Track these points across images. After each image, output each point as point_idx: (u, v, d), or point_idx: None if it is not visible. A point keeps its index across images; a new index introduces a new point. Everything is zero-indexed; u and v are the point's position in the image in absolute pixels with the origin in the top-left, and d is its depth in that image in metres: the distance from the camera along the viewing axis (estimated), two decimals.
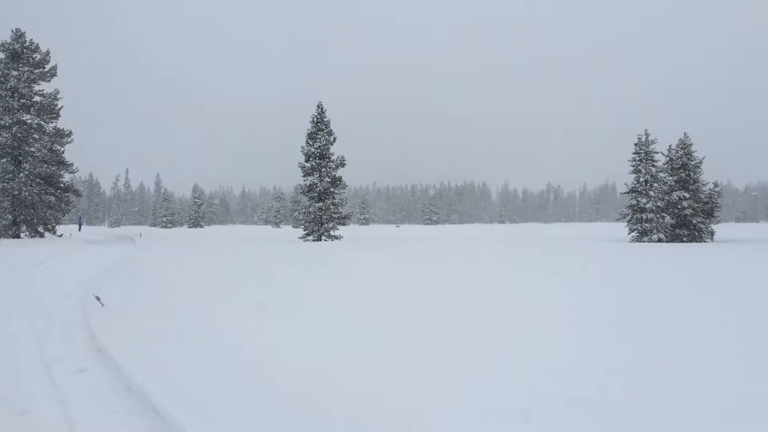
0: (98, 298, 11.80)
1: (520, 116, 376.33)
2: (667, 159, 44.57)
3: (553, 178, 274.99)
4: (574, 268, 19.98)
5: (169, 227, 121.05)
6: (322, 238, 45.57)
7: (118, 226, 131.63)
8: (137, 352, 7.65)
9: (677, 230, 43.01)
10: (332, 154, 46.49)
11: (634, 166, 43.99)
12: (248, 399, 5.69)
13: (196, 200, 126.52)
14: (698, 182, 43.50)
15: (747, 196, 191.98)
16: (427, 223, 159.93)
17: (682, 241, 42.28)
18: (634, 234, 43.67)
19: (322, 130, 46.25)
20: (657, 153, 44.07)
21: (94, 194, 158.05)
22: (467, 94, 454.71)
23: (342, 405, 5.44)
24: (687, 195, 42.59)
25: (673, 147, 44.80)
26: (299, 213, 47.24)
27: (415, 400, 5.52)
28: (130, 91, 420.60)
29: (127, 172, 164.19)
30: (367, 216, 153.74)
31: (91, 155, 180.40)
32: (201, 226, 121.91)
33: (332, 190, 45.81)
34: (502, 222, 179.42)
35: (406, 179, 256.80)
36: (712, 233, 43.43)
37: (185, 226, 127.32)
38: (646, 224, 42.41)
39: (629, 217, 43.70)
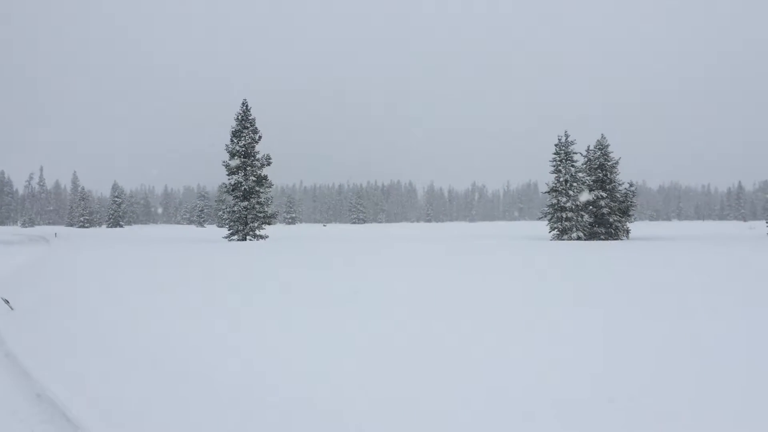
0: (7, 302, 11.22)
1: (448, 116, 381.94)
2: (586, 159, 46.10)
3: (478, 177, 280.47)
4: (472, 265, 20.46)
5: (87, 227, 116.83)
6: (247, 237, 44.90)
7: (31, 225, 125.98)
8: (48, 357, 7.30)
9: (595, 228, 44.55)
10: (258, 152, 45.87)
11: (554, 167, 45.25)
12: (159, 400, 5.53)
13: (116, 199, 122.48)
14: (614, 182, 45.20)
15: (660, 195, 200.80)
16: (354, 222, 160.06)
17: (600, 239, 43.83)
18: (554, 232, 44.95)
19: (247, 128, 45.56)
20: (576, 154, 45.50)
21: (5, 193, 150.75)
22: (396, 94, 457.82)
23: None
24: (604, 194, 44.18)
25: (591, 148, 46.39)
26: (223, 212, 46.43)
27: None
28: (48, 87, 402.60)
29: (41, 169, 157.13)
30: (294, 215, 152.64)
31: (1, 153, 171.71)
32: (121, 226, 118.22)
33: (258, 188, 45.17)
34: (429, 221, 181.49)
35: (333, 178, 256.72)
36: (627, 231, 45.19)
37: (104, 226, 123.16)
38: (566, 223, 43.72)
39: (550, 216, 44.95)
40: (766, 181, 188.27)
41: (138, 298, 12.62)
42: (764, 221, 75.33)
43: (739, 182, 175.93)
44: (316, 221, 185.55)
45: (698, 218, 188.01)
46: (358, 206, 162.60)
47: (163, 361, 7.02)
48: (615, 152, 45.88)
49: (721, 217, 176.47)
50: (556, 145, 45.48)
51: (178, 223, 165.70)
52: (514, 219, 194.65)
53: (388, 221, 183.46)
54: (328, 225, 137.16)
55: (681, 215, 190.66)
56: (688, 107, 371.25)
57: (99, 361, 7.06)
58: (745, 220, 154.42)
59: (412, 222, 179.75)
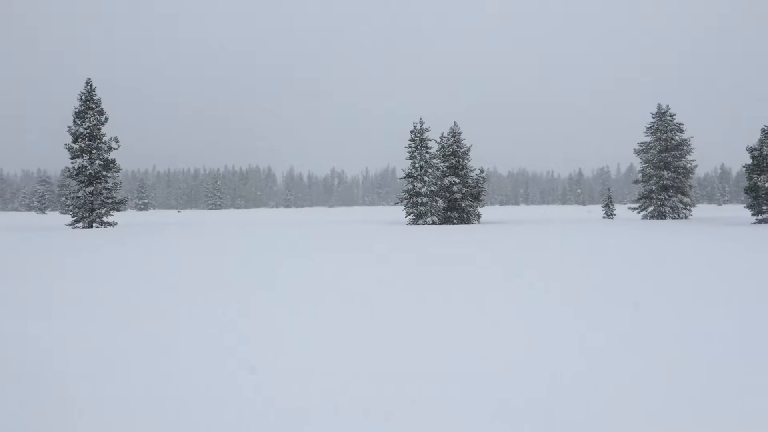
0: None
1: (306, 104, 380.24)
2: (440, 146, 47.60)
3: (338, 163, 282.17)
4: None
5: None
6: (94, 225, 42.36)
7: None
8: None
9: (449, 213, 46.22)
10: (104, 134, 43.29)
11: (410, 153, 46.33)
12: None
13: None
14: (467, 168, 47.06)
15: (510, 181, 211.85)
16: (211, 208, 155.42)
17: (453, 223, 45.52)
18: (410, 217, 46.11)
19: (92, 108, 42.80)
20: (431, 140, 46.85)
21: None
22: (262, 77, 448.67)
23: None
24: (457, 180, 45.88)
25: (444, 135, 47.96)
26: (67, 198, 43.50)
27: None
28: None
29: None
30: (146, 201, 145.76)
31: None
32: None
33: (104, 173, 42.68)
34: (288, 206, 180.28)
35: (189, 163, 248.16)
36: (478, 215, 47.27)
37: None
38: (421, 208, 44.97)
39: (406, 201, 46.02)
40: (602, 168, 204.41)
41: None
42: (600, 205, 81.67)
43: (579, 169, 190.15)
44: (170, 207, 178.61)
45: (543, 202, 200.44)
46: (215, 192, 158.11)
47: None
48: (467, 140, 47.78)
49: (564, 201, 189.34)
50: (411, 132, 46.53)
51: (16, 209, 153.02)
52: (373, 204, 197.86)
53: (246, 207, 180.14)
54: (183, 211, 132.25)
55: (528, 200, 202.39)
56: (534, 96, 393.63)
57: None
58: (584, 204, 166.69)
59: (271, 208, 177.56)
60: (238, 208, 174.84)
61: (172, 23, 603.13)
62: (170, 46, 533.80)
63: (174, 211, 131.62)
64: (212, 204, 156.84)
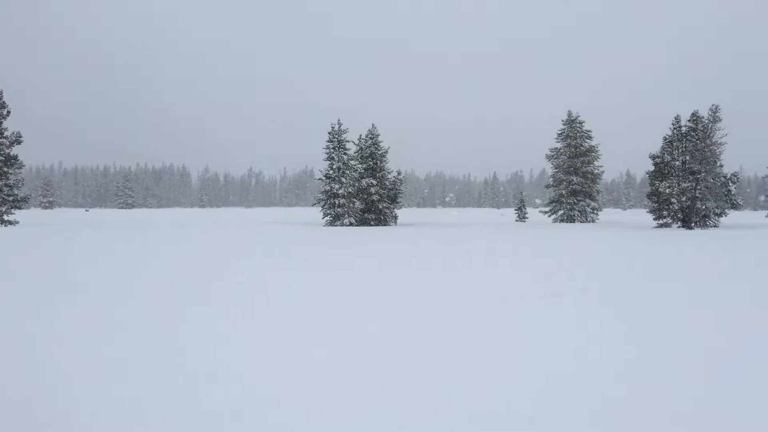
0: None
1: (226, 101, 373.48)
2: (358, 148, 47.65)
3: (255, 163, 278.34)
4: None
5: None
6: None
7: None
8: None
9: (366, 215, 46.30)
10: (5, 129, 41.02)
11: (328, 154, 46.13)
12: None
13: None
14: (384, 170, 47.30)
15: (427, 183, 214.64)
16: (121, 207, 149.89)
17: (370, 225, 45.63)
18: (327, 218, 45.89)
19: None
20: (349, 142, 46.81)
21: None
22: (168, 76, 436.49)
23: None
24: (375, 182, 46.03)
25: (362, 137, 48.04)
26: None
27: None
28: None
29: None
30: (52, 199, 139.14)
31: None
32: None
33: (5, 169, 40.43)
34: (203, 206, 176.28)
35: (98, 160, 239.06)
36: (395, 217, 47.56)
37: None
38: (338, 209, 44.82)
39: (323, 202, 45.78)
40: (515, 172, 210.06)
41: None
42: (513, 209, 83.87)
43: (494, 173, 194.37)
44: (78, 206, 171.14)
45: (460, 205, 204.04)
46: (126, 190, 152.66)
47: None
48: (384, 142, 48.06)
49: (479, 205, 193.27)
50: (329, 133, 46.34)
51: None
52: (291, 204, 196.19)
53: (159, 206, 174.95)
54: (91, 210, 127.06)
55: (445, 203, 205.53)
56: (452, 105, 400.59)
57: None
58: (498, 208, 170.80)
59: (185, 208, 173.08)
60: (150, 207, 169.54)
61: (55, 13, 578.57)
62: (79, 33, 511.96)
63: (81, 210, 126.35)
64: (122, 203, 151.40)
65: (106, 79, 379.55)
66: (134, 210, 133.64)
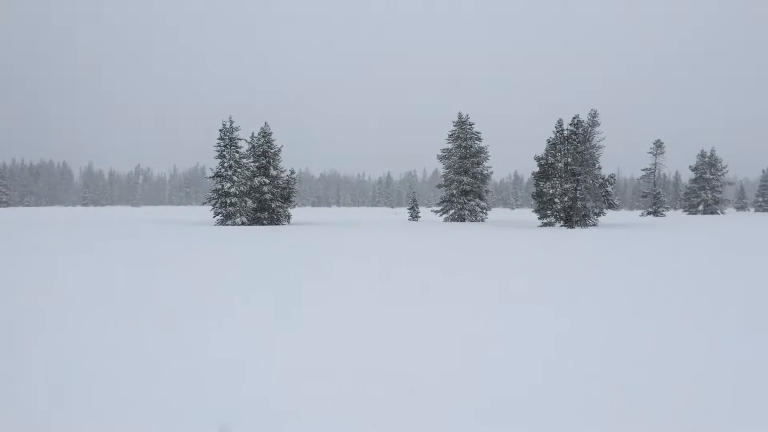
0: None
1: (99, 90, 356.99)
2: (250, 146, 46.83)
3: (143, 161, 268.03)
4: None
5: None
6: None
7: None
8: None
9: (258, 214, 45.59)
10: None
11: (219, 152, 45.06)
12: None
13: None
14: (278, 169, 46.73)
15: (322, 183, 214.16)
16: None
17: (263, 224, 44.95)
18: (218, 218, 44.81)
19: None
20: (240, 140, 45.92)
21: None
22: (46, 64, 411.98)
23: None
24: (267, 180, 45.39)
25: (255, 135, 47.26)
26: None
27: None
28: None
29: None
30: None
31: None
32: None
33: None
34: (86, 205, 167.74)
35: None
36: (288, 216, 47.08)
37: None
38: (230, 208, 43.86)
39: (215, 201, 44.67)
40: (409, 172, 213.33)
41: None
42: (405, 207, 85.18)
43: (389, 173, 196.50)
44: None
45: (354, 204, 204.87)
46: (1, 188, 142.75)
47: None
48: (277, 140, 47.49)
49: (374, 204, 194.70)
50: (220, 131, 45.29)
51: None
52: (181, 203, 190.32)
53: (37, 205, 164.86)
54: None
55: (339, 201, 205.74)
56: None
57: None
58: (392, 207, 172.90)
59: (66, 206, 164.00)
60: (27, 205, 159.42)
61: None
62: None
63: None
64: None
65: None
66: (9, 209, 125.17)
